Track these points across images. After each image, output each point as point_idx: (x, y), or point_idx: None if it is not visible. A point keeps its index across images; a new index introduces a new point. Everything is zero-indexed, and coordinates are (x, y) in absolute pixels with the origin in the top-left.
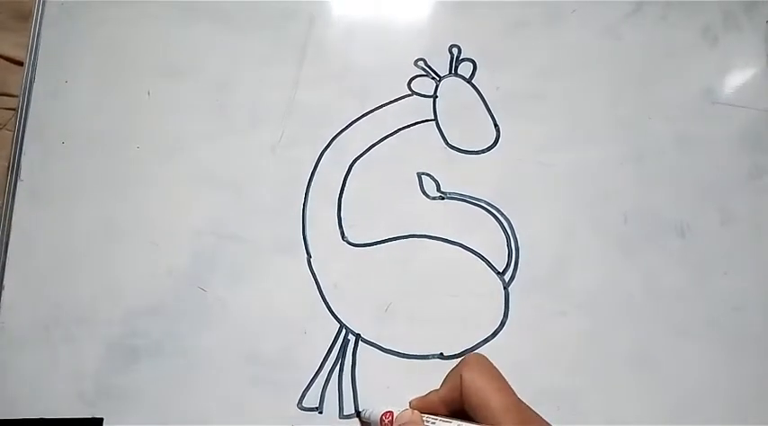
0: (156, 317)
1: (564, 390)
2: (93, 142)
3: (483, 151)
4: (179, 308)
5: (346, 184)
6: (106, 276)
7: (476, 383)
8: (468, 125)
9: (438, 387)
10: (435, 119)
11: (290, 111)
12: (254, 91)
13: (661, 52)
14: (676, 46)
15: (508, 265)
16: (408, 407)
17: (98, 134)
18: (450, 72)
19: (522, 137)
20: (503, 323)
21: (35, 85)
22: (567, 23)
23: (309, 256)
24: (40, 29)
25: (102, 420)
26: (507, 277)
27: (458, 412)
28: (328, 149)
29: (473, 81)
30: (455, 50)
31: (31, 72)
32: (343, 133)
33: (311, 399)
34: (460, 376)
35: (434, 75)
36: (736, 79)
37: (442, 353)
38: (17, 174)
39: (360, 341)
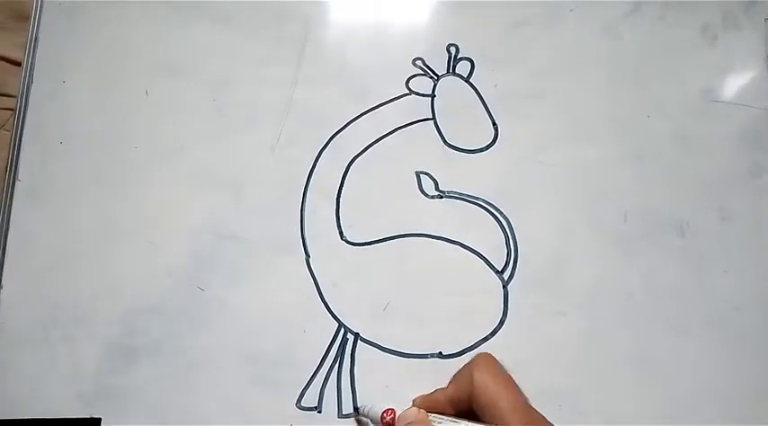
0: (154, 317)
1: (563, 389)
2: (92, 142)
3: (481, 150)
4: (178, 308)
5: (345, 183)
6: (105, 276)
7: (486, 383)
8: (467, 124)
9: (443, 387)
10: (434, 118)
11: (288, 111)
12: (252, 90)
13: (660, 51)
14: (675, 45)
15: (507, 264)
16: (412, 405)
17: (96, 134)
18: (448, 71)
19: (520, 136)
20: (502, 322)
21: (33, 86)
22: (566, 22)
23: (308, 255)
24: (38, 29)
25: (100, 420)
26: (506, 275)
27: (464, 412)
28: (326, 149)
29: (471, 80)
30: (453, 49)
31: (30, 72)
32: (342, 132)
33: (310, 398)
34: (471, 375)
35: (432, 75)
36: (736, 77)
37: (440, 352)
38: (15, 175)
39: (359, 341)
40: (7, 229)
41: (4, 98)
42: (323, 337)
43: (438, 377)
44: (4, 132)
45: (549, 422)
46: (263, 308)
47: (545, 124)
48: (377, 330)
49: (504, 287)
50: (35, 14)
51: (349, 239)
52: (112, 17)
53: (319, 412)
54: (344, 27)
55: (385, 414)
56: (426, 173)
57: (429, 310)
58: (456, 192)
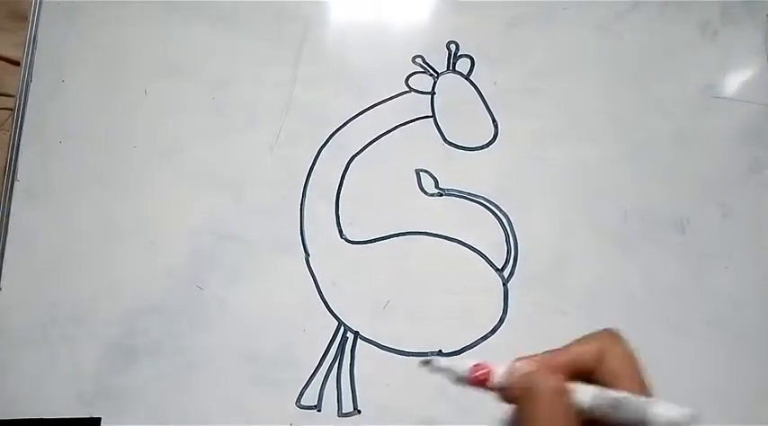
0: (154, 317)
1: None
2: (91, 142)
3: (481, 147)
4: (178, 308)
5: (344, 182)
6: (104, 276)
7: (627, 353)
8: (467, 121)
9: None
10: (433, 115)
11: (287, 110)
12: (251, 90)
13: (660, 48)
14: (675, 42)
15: (507, 261)
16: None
17: (96, 134)
18: (448, 68)
19: (520, 134)
20: (502, 320)
21: (32, 85)
22: (566, 20)
23: (307, 254)
24: (36, 29)
25: (99, 420)
26: (506, 273)
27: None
28: (326, 147)
29: (471, 77)
30: (453, 47)
31: (28, 72)
32: (341, 131)
33: (310, 397)
34: (608, 345)
35: (432, 72)
36: (736, 73)
37: (440, 350)
38: (14, 175)
39: (358, 339)
40: (6, 229)
41: (3, 98)
42: (323, 336)
43: (438, 375)
44: (3, 132)
45: None
46: (262, 308)
47: (545, 121)
48: (377, 328)
49: (504, 284)
50: (34, 14)
51: (348, 237)
52: (112, 17)
53: (319, 410)
54: (344, 26)
55: (475, 369)
56: (426, 171)
57: (429, 308)
58: (456, 190)
